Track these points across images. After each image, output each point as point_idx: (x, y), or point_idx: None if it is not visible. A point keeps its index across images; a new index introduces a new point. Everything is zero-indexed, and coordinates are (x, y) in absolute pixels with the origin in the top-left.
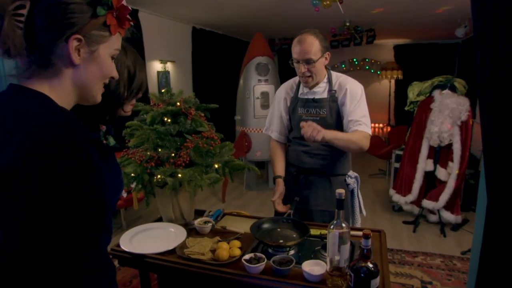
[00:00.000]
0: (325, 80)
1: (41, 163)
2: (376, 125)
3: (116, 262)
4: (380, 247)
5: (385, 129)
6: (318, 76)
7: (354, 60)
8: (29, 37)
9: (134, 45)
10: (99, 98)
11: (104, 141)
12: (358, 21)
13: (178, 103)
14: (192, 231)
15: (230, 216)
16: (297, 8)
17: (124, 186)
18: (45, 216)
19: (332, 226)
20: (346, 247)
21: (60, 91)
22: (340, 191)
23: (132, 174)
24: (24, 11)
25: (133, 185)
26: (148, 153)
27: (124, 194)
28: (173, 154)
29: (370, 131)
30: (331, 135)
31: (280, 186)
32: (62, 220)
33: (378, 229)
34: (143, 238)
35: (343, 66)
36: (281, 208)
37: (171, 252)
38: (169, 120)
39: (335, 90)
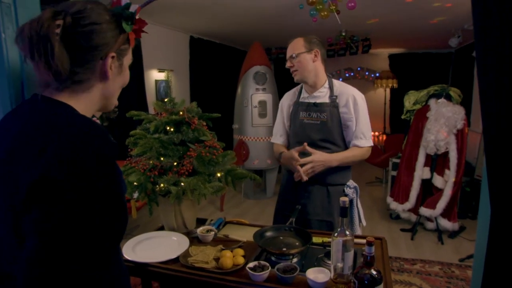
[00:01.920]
0: (326, 85)
1: (75, 173)
2: (372, 133)
3: None
4: (382, 254)
5: (380, 137)
6: (304, 72)
7: (350, 69)
8: (72, 58)
9: (133, 54)
10: (116, 103)
11: None
12: (354, 31)
13: (181, 112)
14: (194, 240)
15: (231, 224)
16: (294, 18)
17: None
18: (78, 224)
19: (336, 234)
20: (350, 255)
21: (87, 103)
22: (344, 199)
23: (135, 183)
24: (58, 30)
25: (135, 194)
26: (151, 161)
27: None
28: (176, 163)
29: (371, 143)
30: (336, 161)
31: (290, 151)
32: (94, 227)
33: (379, 236)
34: (145, 247)
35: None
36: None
37: (175, 260)
38: (171, 129)
39: (336, 96)
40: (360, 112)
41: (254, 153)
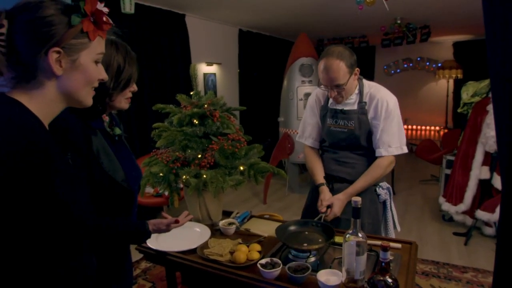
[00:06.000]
0: (356, 91)
1: None
2: (432, 128)
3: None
4: (409, 260)
5: (441, 132)
6: (349, 92)
7: (409, 59)
8: (11, 55)
9: (180, 48)
10: (89, 101)
11: (111, 132)
12: (410, 18)
13: (206, 106)
14: (217, 232)
15: (257, 218)
16: (342, 7)
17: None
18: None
19: (348, 235)
20: (362, 259)
21: (42, 101)
22: (356, 199)
23: (161, 174)
24: (4, 30)
25: (158, 189)
26: (177, 153)
27: (166, 192)
28: (199, 156)
29: (401, 151)
30: (351, 193)
31: (325, 194)
32: (20, 229)
33: (409, 240)
34: (169, 236)
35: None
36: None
37: (193, 251)
38: (196, 122)
39: (365, 102)
40: (391, 118)
41: (299, 147)
